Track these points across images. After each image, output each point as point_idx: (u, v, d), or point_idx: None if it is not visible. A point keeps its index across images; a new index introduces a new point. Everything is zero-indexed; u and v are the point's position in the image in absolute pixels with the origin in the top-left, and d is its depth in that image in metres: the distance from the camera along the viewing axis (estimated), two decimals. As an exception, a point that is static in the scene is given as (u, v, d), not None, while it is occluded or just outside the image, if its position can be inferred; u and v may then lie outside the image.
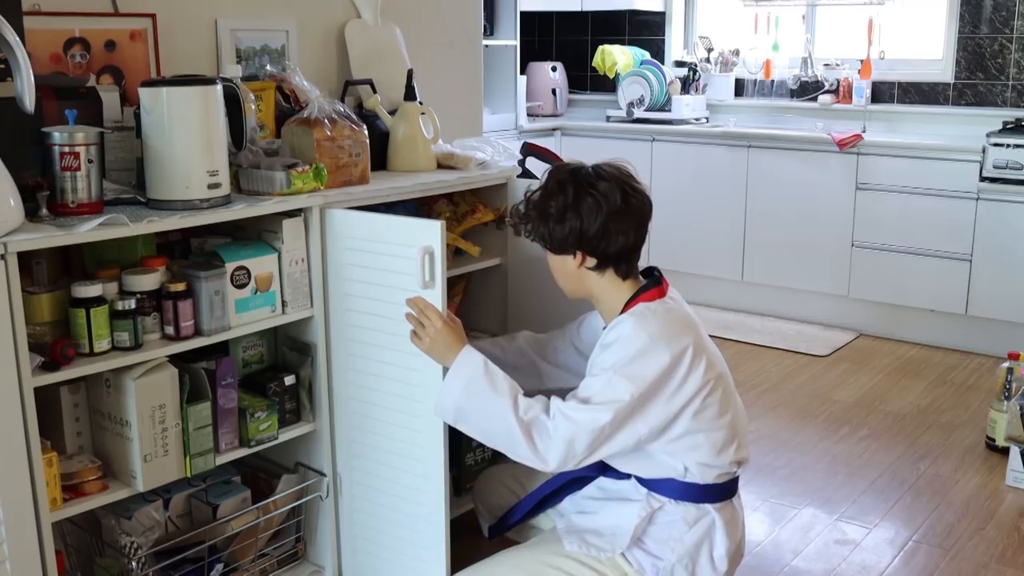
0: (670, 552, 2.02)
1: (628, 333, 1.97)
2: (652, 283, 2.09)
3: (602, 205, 2.00)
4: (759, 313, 5.50)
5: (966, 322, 4.82)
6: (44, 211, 1.96)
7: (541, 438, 1.95)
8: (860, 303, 5.16)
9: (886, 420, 3.99)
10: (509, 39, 5.70)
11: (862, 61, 5.51)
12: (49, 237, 1.82)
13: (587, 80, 6.60)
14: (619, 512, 2.07)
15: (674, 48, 6.37)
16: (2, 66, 1.96)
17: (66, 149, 1.96)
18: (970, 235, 4.70)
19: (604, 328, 2.09)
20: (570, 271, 2.08)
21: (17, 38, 1.84)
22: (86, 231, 1.86)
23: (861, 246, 5.06)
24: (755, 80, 6.01)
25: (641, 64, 6.09)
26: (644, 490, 2.06)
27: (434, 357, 2.10)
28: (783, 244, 5.31)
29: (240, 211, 2.11)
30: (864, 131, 5.21)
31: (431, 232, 2.07)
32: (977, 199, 4.65)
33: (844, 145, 4.99)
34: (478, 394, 2.01)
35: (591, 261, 2.04)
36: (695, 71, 6.03)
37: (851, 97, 5.56)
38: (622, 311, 2.04)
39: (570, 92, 6.59)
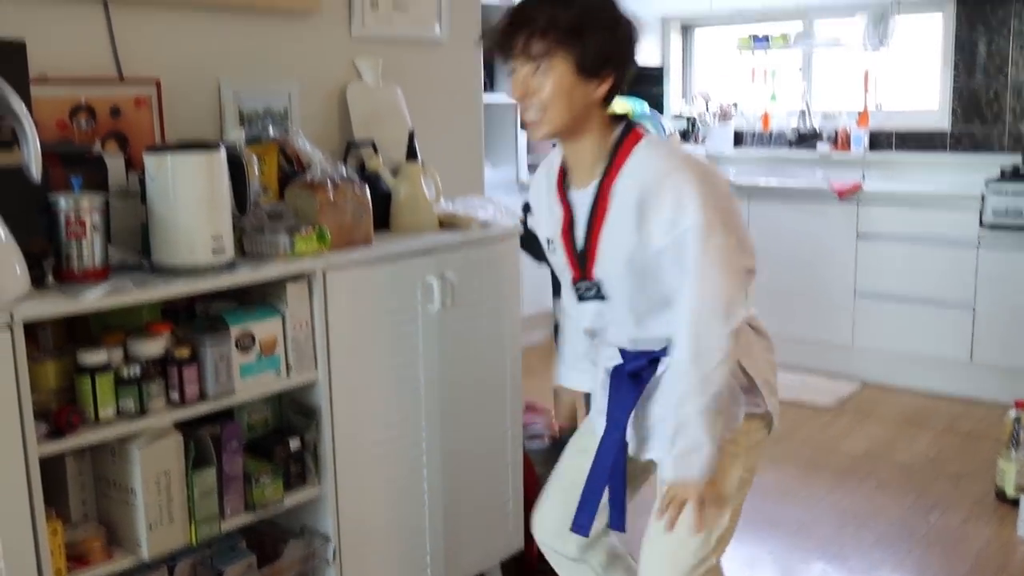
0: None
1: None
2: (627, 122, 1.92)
3: (633, 24, 1.87)
4: (763, 363, 5.48)
5: (971, 370, 4.81)
6: (50, 278, 1.96)
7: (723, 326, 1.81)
8: (865, 352, 5.15)
9: (894, 471, 3.96)
10: (510, 94, 5.74)
11: (860, 113, 5.56)
12: (55, 306, 1.83)
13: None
14: None
15: (673, 100, 6.42)
16: (10, 137, 1.97)
17: (72, 216, 1.97)
18: (972, 282, 4.71)
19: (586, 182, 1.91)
20: (586, 98, 1.83)
21: (24, 108, 1.86)
22: (92, 300, 1.87)
23: (864, 295, 5.07)
24: (754, 131, 6.05)
25: (641, 115, 6.13)
26: None
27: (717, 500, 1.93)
28: (786, 294, 5.30)
29: (244, 276, 2.12)
30: (863, 179, 5.24)
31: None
32: (978, 246, 4.67)
33: (844, 194, 5.02)
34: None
35: (606, 91, 1.85)
36: (694, 123, 6.08)
37: (850, 146, 5.60)
38: (617, 153, 1.87)
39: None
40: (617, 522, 2.05)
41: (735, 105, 6.13)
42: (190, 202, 2.05)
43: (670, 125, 6.12)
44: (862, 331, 5.11)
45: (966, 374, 4.84)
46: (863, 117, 5.54)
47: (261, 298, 2.26)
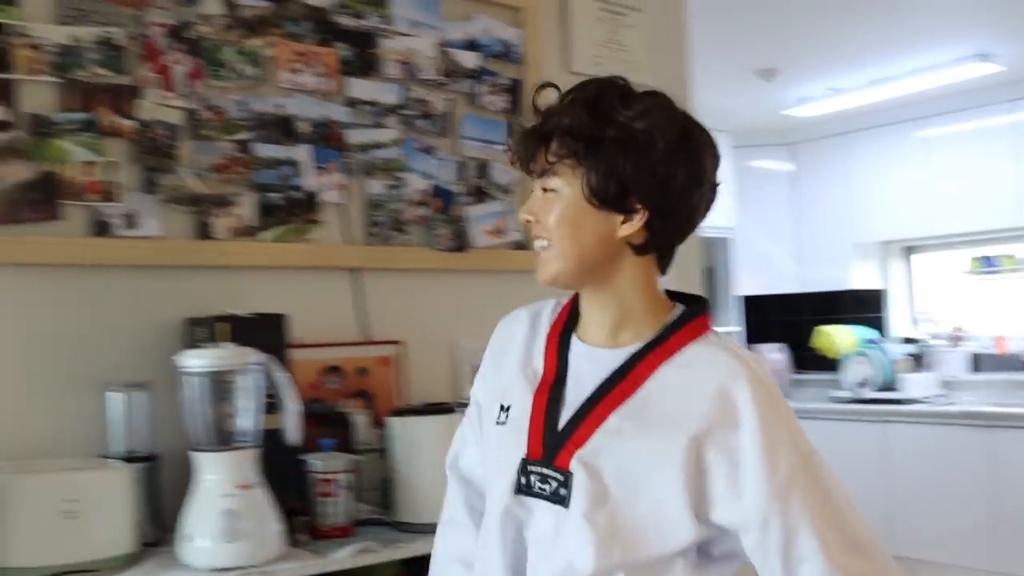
0: None
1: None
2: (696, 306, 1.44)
3: (714, 162, 1.39)
4: (1020, 607, 5.03)
5: None
6: (302, 535, 2.08)
7: None
8: None
9: None
10: (731, 325, 5.78)
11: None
12: (306, 567, 1.93)
13: (806, 359, 6.53)
14: None
15: (895, 324, 6.26)
16: (271, 399, 2.14)
17: (323, 477, 2.10)
18: None
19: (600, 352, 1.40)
20: (604, 237, 1.36)
21: (286, 379, 2.03)
22: (341, 559, 1.96)
23: None
24: (989, 354, 5.79)
25: (865, 343, 5.99)
26: None
27: None
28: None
29: (481, 534, 2.17)
30: (1119, 404, 4.89)
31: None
32: None
33: (1098, 422, 4.68)
34: None
35: (640, 236, 1.36)
36: (922, 347, 5.90)
37: (1096, 367, 5.27)
38: (674, 331, 1.39)
39: (793, 372, 6.52)
40: None
41: (961, 328, 5.91)
42: (431, 462, 2.14)
43: (896, 350, 5.95)
44: None
45: None
46: (1109, 337, 5.22)
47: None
